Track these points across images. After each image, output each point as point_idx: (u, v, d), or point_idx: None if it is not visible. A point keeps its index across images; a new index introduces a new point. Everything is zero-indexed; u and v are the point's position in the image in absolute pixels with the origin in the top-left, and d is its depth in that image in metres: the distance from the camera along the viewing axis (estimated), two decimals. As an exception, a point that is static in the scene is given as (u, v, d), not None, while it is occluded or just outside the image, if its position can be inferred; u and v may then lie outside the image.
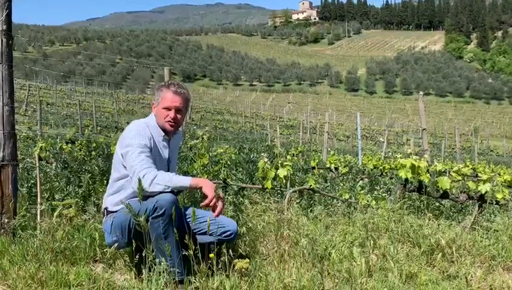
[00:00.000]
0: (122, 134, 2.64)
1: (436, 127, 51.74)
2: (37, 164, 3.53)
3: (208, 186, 2.40)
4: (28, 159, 5.58)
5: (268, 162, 3.97)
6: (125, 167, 2.54)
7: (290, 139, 23.20)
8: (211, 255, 2.38)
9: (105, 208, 2.66)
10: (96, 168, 4.74)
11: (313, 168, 7.86)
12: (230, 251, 2.46)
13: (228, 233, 2.61)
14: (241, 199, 3.83)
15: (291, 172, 3.99)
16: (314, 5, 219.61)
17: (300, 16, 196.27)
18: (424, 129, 8.45)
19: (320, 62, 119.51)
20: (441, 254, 2.91)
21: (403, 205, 3.64)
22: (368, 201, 3.88)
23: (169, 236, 2.34)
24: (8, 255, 2.57)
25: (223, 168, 4.24)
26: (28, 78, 49.45)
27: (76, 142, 7.81)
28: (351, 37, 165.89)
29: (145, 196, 2.32)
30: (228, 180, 4.15)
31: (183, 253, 2.35)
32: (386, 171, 8.30)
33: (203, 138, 4.24)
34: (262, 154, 4.44)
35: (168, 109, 2.64)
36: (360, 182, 5.75)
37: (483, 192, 3.75)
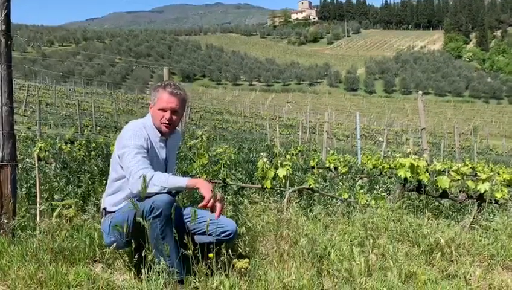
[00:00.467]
0: (119, 135, 2.64)
1: (435, 127, 51.77)
2: (36, 164, 3.52)
3: (204, 187, 2.38)
4: (27, 160, 5.58)
5: (268, 161, 3.97)
6: (122, 168, 2.54)
7: (289, 139, 23.19)
8: (210, 255, 2.38)
9: (104, 208, 2.66)
10: (95, 168, 4.75)
11: (313, 167, 7.87)
12: (229, 250, 2.46)
13: (227, 233, 2.61)
14: (240, 198, 3.83)
15: (291, 172, 4.00)
16: (314, 4, 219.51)
17: (300, 16, 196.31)
18: (423, 129, 8.46)
19: (320, 62, 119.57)
20: (440, 253, 2.91)
21: (402, 204, 3.64)
22: (367, 200, 3.88)
23: (167, 236, 2.34)
24: (8, 255, 2.57)
25: (222, 168, 4.24)
26: (27, 78, 49.42)
27: (75, 143, 7.81)
28: (350, 36, 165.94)
29: (141, 196, 2.32)
30: (227, 180, 4.15)
31: (183, 253, 2.35)
32: (385, 170, 8.30)
33: (202, 138, 4.25)
34: (262, 154, 4.44)
35: (164, 110, 2.63)
36: (360, 181, 5.76)
37: (482, 191, 3.75)
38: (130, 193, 2.51)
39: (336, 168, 7.90)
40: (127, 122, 2.70)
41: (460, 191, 3.94)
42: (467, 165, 8.55)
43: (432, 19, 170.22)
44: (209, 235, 2.50)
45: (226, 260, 2.41)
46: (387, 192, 4.46)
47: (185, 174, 4.49)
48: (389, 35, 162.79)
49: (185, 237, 2.32)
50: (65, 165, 5.14)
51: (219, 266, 2.43)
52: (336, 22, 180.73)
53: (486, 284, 2.60)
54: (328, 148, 11.22)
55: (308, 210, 3.77)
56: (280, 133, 22.50)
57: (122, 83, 73.91)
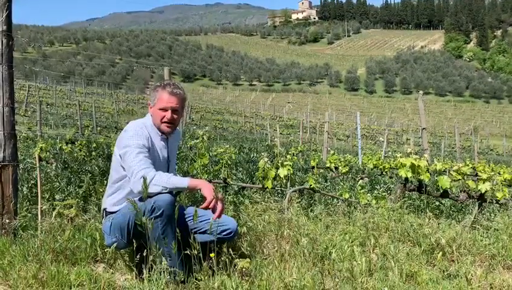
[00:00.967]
0: (120, 135, 2.64)
1: (435, 127, 51.74)
2: (38, 165, 3.53)
3: (206, 188, 2.39)
4: (28, 160, 5.58)
5: (269, 161, 3.98)
6: (124, 168, 2.53)
7: (289, 139, 23.20)
8: (212, 254, 2.38)
9: (104, 209, 2.66)
10: (96, 168, 4.76)
11: (313, 167, 7.86)
12: (230, 250, 2.46)
13: (228, 231, 2.62)
14: (241, 198, 3.83)
15: (292, 172, 4.00)
16: (314, 4, 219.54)
17: (300, 16, 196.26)
18: (423, 128, 8.46)
19: (320, 62, 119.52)
20: (441, 253, 2.91)
21: (403, 204, 3.65)
22: (368, 200, 3.88)
23: (169, 236, 2.34)
24: (9, 255, 2.57)
25: (223, 168, 4.25)
26: (27, 79, 49.42)
27: (76, 143, 7.81)
28: (350, 36, 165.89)
29: (142, 197, 2.32)
30: (228, 180, 4.16)
31: (185, 252, 2.35)
32: (386, 170, 8.30)
33: (203, 138, 4.24)
34: (263, 153, 4.45)
35: (165, 109, 2.63)
36: (360, 181, 5.75)
37: (483, 191, 3.75)
38: (130, 192, 2.51)
39: (336, 168, 7.89)
40: (127, 123, 2.70)
41: (461, 191, 3.94)
42: (468, 165, 8.53)
43: (433, 18, 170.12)
44: (209, 234, 2.50)
45: (227, 259, 2.41)
46: (388, 192, 4.46)
47: (185, 174, 4.49)
48: (389, 35, 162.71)
49: (187, 237, 2.33)
50: (66, 166, 5.15)
51: (220, 266, 2.43)
52: (336, 22, 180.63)
53: (487, 284, 2.60)
54: (329, 148, 11.22)
55: (309, 210, 3.78)
56: (280, 133, 22.51)
57: (122, 83, 73.90)
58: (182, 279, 2.37)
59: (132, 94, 53.23)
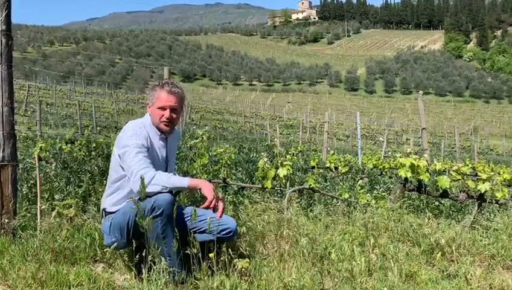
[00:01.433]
0: (118, 135, 2.64)
1: (435, 127, 51.75)
2: (37, 164, 3.52)
3: (206, 188, 2.39)
4: (27, 160, 5.58)
5: (268, 161, 3.97)
6: (123, 168, 2.53)
7: (289, 139, 23.19)
8: (211, 254, 2.38)
9: (104, 209, 2.66)
10: (96, 168, 4.76)
11: (313, 167, 7.87)
12: (230, 250, 2.46)
13: (227, 231, 2.62)
14: (241, 198, 3.83)
15: (291, 171, 4.00)
16: (314, 4, 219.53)
17: (300, 16, 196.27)
18: (423, 128, 8.46)
19: (320, 62, 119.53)
20: (440, 253, 2.91)
21: (402, 204, 3.64)
22: (367, 200, 3.88)
23: (168, 236, 2.34)
24: (8, 255, 2.57)
25: (222, 168, 4.25)
26: (27, 79, 49.45)
27: (76, 143, 7.81)
28: (350, 36, 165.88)
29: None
30: (228, 179, 4.16)
31: (184, 252, 2.35)
32: (385, 170, 8.30)
33: (202, 138, 4.24)
34: (262, 153, 4.45)
35: (163, 108, 2.63)
36: (360, 181, 5.75)
37: (482, 191, 3.75)
38: (129, 192, 2.51)
39: (336, 168, 7.89)
40: (127, 122, 2.70)
41: (460, 191, 3.93)
42: (467, 165, 8.53)
43: (432, 18, 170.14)
44: (209, 233, 2.50)
45: (226, 259, 2.41)
46: (388, 192, 4.46)
47: (185, 174, 4.48)
48: (389, 35, 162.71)
49: (186, 237, 2.32)
50: (65, 165, 5.14)
51: (219, 266, 2.43)
52: (336, 22, 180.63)
53: (487, 284, 2.60)
54: (329, 148, 11.22)
55: (309, 210, 3.78)
56: (280, 133, 22.51)
57: (122, 83, 73.91)
58: (181, 279, 2.37)
59: (132, 94, 53.23)
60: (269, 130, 24.01)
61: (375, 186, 5.14)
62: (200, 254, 2.31)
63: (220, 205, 2.43)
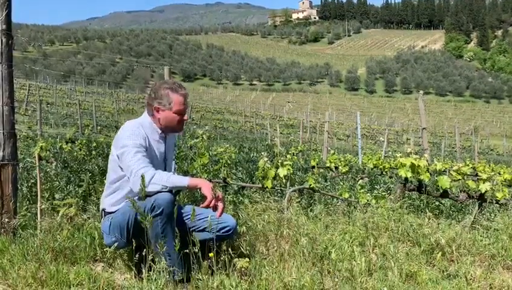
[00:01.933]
0: (116, 135, 2.63)
1: (436, 126, 51.74)
2: (37, 164, 3.52)
3: (206, 187, 2.39)
4: (28, 159, 5.58)
5: (269, 161, 3.97)
6: (121, 168, 2.53)
7: (290, 139, 23.19)
8: (211, 254, 2.38)
9: (103, 209, 2.66)
10: (96, 167, 4.76)
11: (313, 167, 7.86)
12: (230, 249, 2.46)
13: (227, 229, 2.62)
14: (241, 198, 3.83)
15: (291, 171, 3.99)
16: (314, 4, 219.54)
17: (300, 15, 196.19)
18: (424, 128, 8.46)
19: (320, 61, 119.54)
20: (440, 253, 2.91)
21: (402, 204, 3.64)
22: (367, 200, 3.87)
23: (168, 235, 2.34)
24: (9, 254, 2.57)
25: (223, 168, 4.25)
26: (28, 78, 49.42)
27: (76, 142, 7.81)
28: (351, 36, 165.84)
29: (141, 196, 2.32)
30: (228, 179, 4.15)
31: (184, 251, 2.35)
32: (386, 170, 8.29)
33: (203, 137, 4.25)
34: (263, 153, 4.45)
35: (180, 112, 2.65)
36: (360, 181, 5.75)
37: (483, 191, 3.74)
38: (129, 192, 2.51)
39: (336, 167, 7.89)
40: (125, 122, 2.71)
41: (461, 191, 3.93)
42: (468, 165, 8.52)
43: (433, 18, 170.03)
44: (208, 232, 2.50)
45: (226, 259, 2.41)
46: (388, 192, 4.46)
47: (185, 173, 4.48)
48: (389, 34, 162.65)
49: (185, 236, 2.32)
50: (66, 165, 5.15)
51: (219, 266, 2.43)
52: (336, 22, 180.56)
53: (487, 284, 2.60)
54: (329, 148, 11.22)
55: (309, 210, 3.77)
56: (280, 133, 22.51)
57: (122, 82, 73.94)
58: (181, 278, 2.37)
59: (132, 93, 53.24)
60: (269, 129, 24.00)
61: (376, 186, 5.15)
62: (199, 253, 2.31)
63: (220, 204, 2.44)
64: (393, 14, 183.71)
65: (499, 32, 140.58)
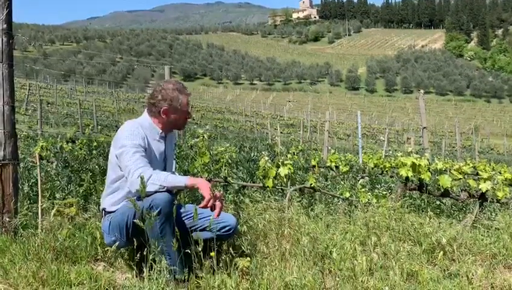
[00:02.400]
0: (115, 135, 2.64)
1: (436, 126, 51.68)
2: (38, 163, 3.52)
3: (204, 187, 2.39)
4: (28, 158, 5.58)
5: (269, 160, 3.97)
6: (120, 168, 2.53)
7: (290, 138, 23.16)
8: (212, 253, 2.38)
9: (103, 209, 2.66)
10: (97, 167, 4.75)
11: (314, 166, 7.85)
12: (231, 249, 2.46)
13: (227, 228, 2.62)
14: (241, 197, 3.83)
15: (292, 171, 3.99)
16: (315, 3, 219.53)
17: (301, 15, 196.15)
18: (424, 128, 8.45)
19: (321, 61, 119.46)
20: (442, 252, 2.90)
21: (403, 203, 3.64)
22: (368, 199, 3.87)
23: (167, 235, 2.34)
24: (10, 254, 2.57)
25: (223, 167, 4.24)
26: (28, 77, 49.36)
27: (76, 141, 7.81)
28: (351, 35, 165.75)
29: (140, 195, 2.32)
30: (229, 178, 4.15)
31: (185, 251, 2.34)
32: (386, 169, 8.28)
33: (203, 137, 4.24)
34: (263, 152, 4.44)
35: (188, 112, 2.72)
36: (361, 180, 5.75)
37: (484, 190, 3.74)
38: (128, 192, 2.51)
39: (337, 167, 7.88)
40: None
41: (461, 190, 3.93)
42: (469, 164, 8.51)
43: (433, 17, 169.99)
44: (209, 231, 2.50)
45: (227, 258, 2.41)
46: (389, 191, 4.45)
47: (186, 173, 4.48)
48: (390, 34, 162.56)
49: (186, 235, 2.32)
50: (66, 164, 5.14)
51: (220, 265, 2.43)
52: (337, 21, 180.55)
53: (488, 284, 2.59)
54: (329, 147, 11.20)
55: (310, 209, 3.77)
56: (281, 132, 22.52)
57: (123, 82, 73.95)
58: (182, 278, 2.37)
59: (133, 93, 53.23)
60: (270, 129, 23.98)
61: (376, 186, 5.14)
62: (201, 253, 2.31)
63: (218, 204, 2.43)
64: (394, 14, 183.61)
65: (499, 32, 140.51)
